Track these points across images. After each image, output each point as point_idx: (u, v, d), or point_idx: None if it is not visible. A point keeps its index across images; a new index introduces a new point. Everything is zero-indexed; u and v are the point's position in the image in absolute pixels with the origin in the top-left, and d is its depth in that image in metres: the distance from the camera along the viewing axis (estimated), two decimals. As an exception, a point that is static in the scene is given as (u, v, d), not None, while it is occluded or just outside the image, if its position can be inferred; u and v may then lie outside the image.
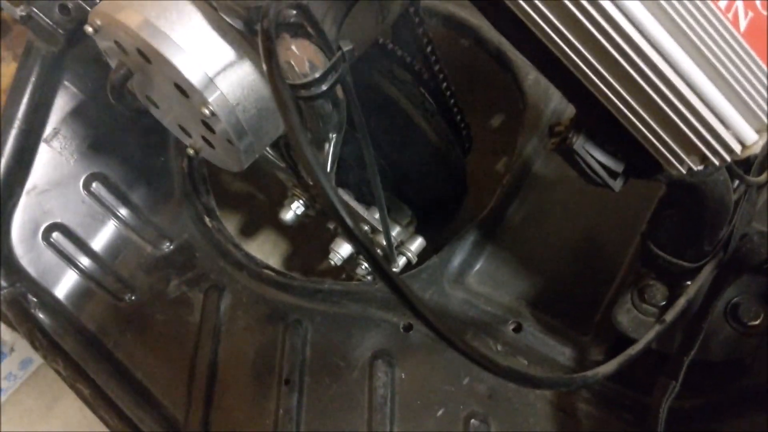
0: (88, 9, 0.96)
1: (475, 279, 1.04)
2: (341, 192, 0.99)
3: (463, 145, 1.06)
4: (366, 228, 1.00)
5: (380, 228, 0.98)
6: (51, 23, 0.99)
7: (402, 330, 1.02)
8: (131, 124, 1.14)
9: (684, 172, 0.60)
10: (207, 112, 0.69)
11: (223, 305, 1.10)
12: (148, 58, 0.70)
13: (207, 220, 1.17)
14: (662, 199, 0.80)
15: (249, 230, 1.28)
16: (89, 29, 0.72)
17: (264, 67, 0.54)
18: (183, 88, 0.69)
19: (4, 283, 1.08)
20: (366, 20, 0.77)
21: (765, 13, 0.54)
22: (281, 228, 1.19)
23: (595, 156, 0.63)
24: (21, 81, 1.05)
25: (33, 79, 1.05)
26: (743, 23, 0.54)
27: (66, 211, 1.13)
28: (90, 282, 1.14)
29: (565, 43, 0.54)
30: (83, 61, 1.08)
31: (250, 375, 1.04)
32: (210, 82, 0.68)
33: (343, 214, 0.49)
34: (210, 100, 0.68)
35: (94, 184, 1.15)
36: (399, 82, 0.93)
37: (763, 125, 0.55)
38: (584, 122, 0.63)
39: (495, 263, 1.04)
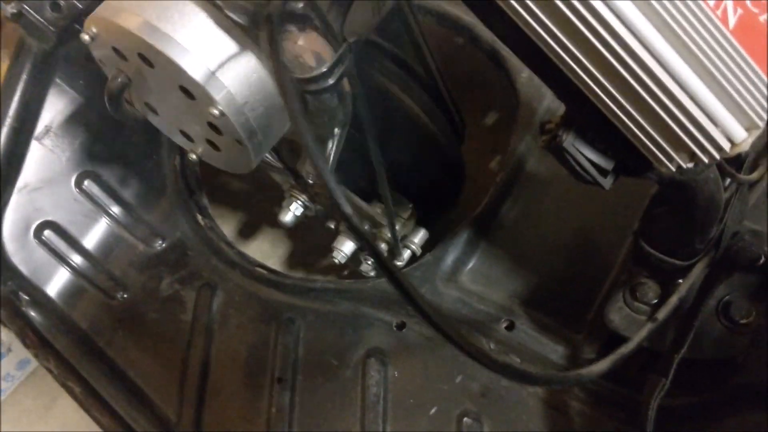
0: (80, 6, 0.95)
1: (468, 277, 1.03)
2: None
3: (457, 130, 1.06)
4: (368, 223, 1.00)
5: (383, 222, 0.98)
6: (42, 21, 0.98)
7: (395, 328, 1.02)
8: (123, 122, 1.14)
9: (674, 169, 0.60)
10: (216, 112, 0.68)
11: (215, 304, 1.10)
12: (151, 62, 0.69)
13: (199, 218, 1.17)
14: (654, 198, 0.80)
15: (246, 230, 1.28)
16: (85, 38, 0.71)
17: (268, 55, 0.54)
18: (189, 90, 0.68)
19: (-5, 281, 1.08)
20: (363, 13, 0.77)
21: (755, 10, 0.54)
22: (279, 228, 1.19)
23: (585, 154, 0.63)
24: (12, 79, 1.05)
25: (24, 76, 1.04)
26: (732, 20, 0.53)
27: (58, 209, 1.13)
28: (82, 280, 1.13)
29: (553, 40, 0.54)
30: (75, 59, 1.08)
31: (242, 374, 1.04)
32: (217, 81, 0.67)
33: (349, 211, 0.49)
34: (218, 99, 0.67)
35: (86, 182, 1.15)
36: (388, 71, 0.93)
37: (752, 123, 0.55)
38: (574, 120, 0.63)
39: (488, 261, 1.04)
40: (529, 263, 1.02)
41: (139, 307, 1.12)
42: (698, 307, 0.80)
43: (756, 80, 0.55)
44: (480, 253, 1.04)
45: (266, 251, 1.26)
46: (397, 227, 1.01)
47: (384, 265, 0.52)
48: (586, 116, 0.60)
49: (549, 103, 1.10)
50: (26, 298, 1.08)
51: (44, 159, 1.12)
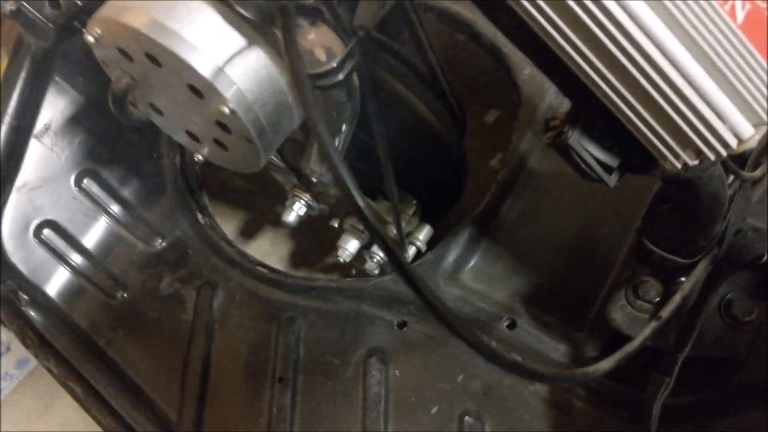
0: (79, 3, 0.95)
1: (470, 275, 1.03)
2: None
3: (458, 123, 1.05)
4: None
5: (388, 219, 0.98)
6: (41, 18, 0.98)
7: (396, 327, 1.01)
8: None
9: (679, 166, 0.60)
10: (226, 110, 0.67)
11: (216, 303, 1.09)
12: (159, 62, 0.68)
13: (200, 216, 1.16)
14: (657, 195, 0.80)
15: (247, 229, 1.27)
16: (89, 39, 0.70)
17: (282, 46, 0.53)
18: (198, 89, 0.68)
19: (-5, 281, 1.07)
20: (367, 8, 0.76)
21: (763, 5, 0.54)
22: (279, 226, 1.18)
23: (591, 151, 0.63)
24: (11, 77, 1.04)
25: (23, 74, 1.04)
26: (740, 15, 0.53)
27: (57, 208, 1.12)
28: (81, 279, 1.13)
29: (560, 36, 0.54)
30: (74, 57, 1.07)
31: (243, 373, 1.04)
32: (227, 78, 0.66)
33: (364, 205, 0.48)
34: (228, 97, 0.67)
35: (85, 181, 1.14)
36: (391, 68, 0.93)
37: (760, 119, 0.55)
38: (579, 116, 0.62)
39: (490, 259, 1.03)
40: (531, 261, 1.02)
41: (139, 306, 1.11)
42: (701, 306, 0.80)
43: (764, 76, 0.54)
44: (481, 252, 1.04)
45: (267, 250, 1.25)
46: (402, 224, 1.01)
47: (396, 260, 0.52)
48: (592, 113, 0.60)
49: (551, 100, 1.09)
50: (26, 297, 1.08)
51: (43, 157, 1.11)
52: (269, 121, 0.71)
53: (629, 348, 0.72)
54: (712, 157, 0.57)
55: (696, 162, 0.59)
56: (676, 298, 0.76)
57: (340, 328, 1.03)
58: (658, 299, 0.83)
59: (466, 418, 0.94)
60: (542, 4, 0.52)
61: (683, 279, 0.80)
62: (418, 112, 0.95)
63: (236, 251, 1.13)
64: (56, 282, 1.12)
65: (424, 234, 1.04)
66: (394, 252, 0.52)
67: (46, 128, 1.11)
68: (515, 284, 1.01)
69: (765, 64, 0.54)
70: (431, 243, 1.05)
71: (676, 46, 0.52)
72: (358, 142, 0.85)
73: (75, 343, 1.07)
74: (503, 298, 1.00)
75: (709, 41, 0.52)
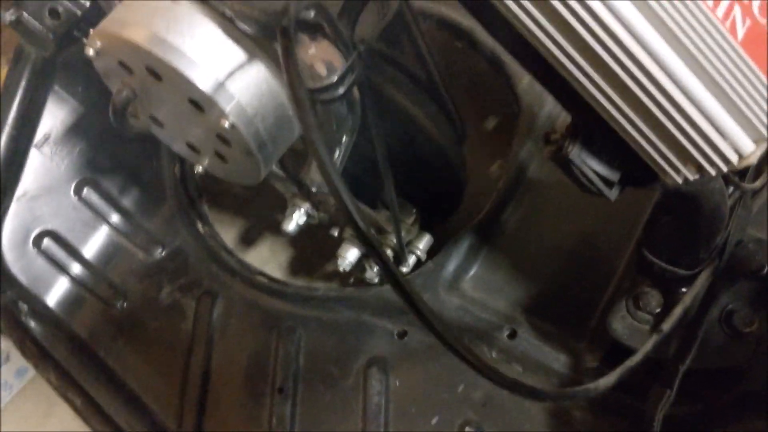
0: (78, 13, 0.95)
1: (470, 284, 1.03)
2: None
3: (457, 131, 1.05)
4: (373, 230, 1.00)
5: (388, 228, 0.98)
6: (41, 27, 0.97)
7: (396, 337, 1.01)
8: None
9: (680, 181, 0.60)
10: (226, 124, 0.67)
11: (216, 312, 1.09)
12: (159, 75, 0.68)
13: (200, 225, 1.16)
14: (657, 207, 0.79)
15: (247, 237, 1.27)
16: (90, 52, 0.70)
17: (282, 66, 0.53)
18: (198, 103, 0.68)
19: (-6, 291, 1.07)
20: (367, 20, 0.77)
21: (763, 21, 0.54)
22: (279, 234, 1.18)
23: (591, 165, 0.63)
24: (11, 86, 1.04)
25: (23, 83, 1.03)
26: (741, 31, 0.53)
27: (57, 218, 1.12)
28: (81, 289, 1.13)
29: (559, 51, 0.54)
30: (74, 66, 1.07)
31: (243, 383, 1.04)
32: (227, 92, 0.66)
33: (362, 224, 0.48)
34: (228, 111, 0.67)
35: (85, 190, 1.14)
36: (391, 78, 0.93)
37: (760, 135, 0.55)
38: (580, 131, 0.62)
39: (490, 269, 1.03)
40: (531, 270, 1.02)
41: (139, 315, 1.11)
42: (702, 317, 0.79)
43: (764, 92, 0.54)
44: (482, 260, 1.04)
45: (266, 258, 1.25)
46: (402, 233, 1.01)
47: (393, 276, 0.52)
48: (592, 128, 0.60)
49: (550, 109, 1.09)
50: (25, 307, 1.08)
51: (43, 167, 1.11)
52: (269, 135, 0.71)
53: (631, 362, 0.72)
54: (713, 172, 0.57)
55: (697, 177, 0.59)
56: (677, 311, 0.76)
57: (340, 338, 1.03)
58: (658, 310, 0.82)
59: (467, 428, 0.94)
60: (540, 18, 0.52)
61: (684, 290, 0.80)
62: (417, 121, 0.95)
63: (236, 260, 1.13)
64: (56, 292, 1.12)
65: (423, 243, 1.03)
66: (389, 268, 0.52)
67: (46, 138, 1.11)
68: (515, 293, 1.01)
69: (765, 80, 0.54)
70: (431, 252, 1.05)
71: (677, 62, 0.52)
72: (359, 151, 0.84)
73: (74, 353, 1.07)
74: (504, 307, 1.00)
75: (709, 57, 0.52)
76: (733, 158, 0.55)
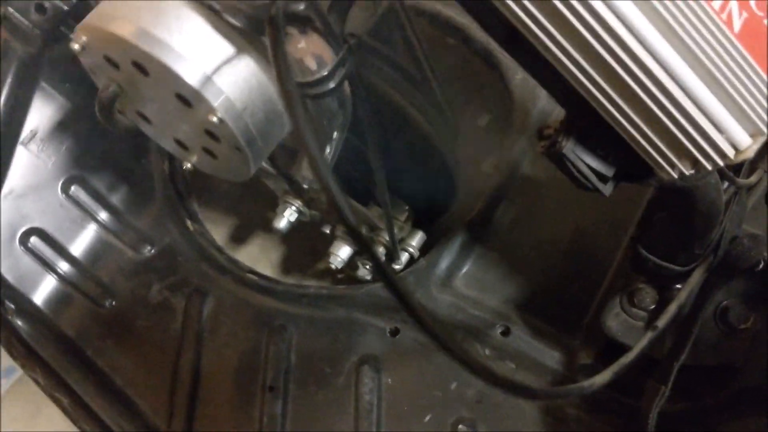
0: (65, 8, 0.93)
1: (463, 282, 1.02)
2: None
3: (450, 128, 1.05)
4: (366, 227, 0.99)
5: (380, 226, 0.97)
6: (27, 23, 0.96)
7: (389, 334, 1.00)
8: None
9: (675, 176, 0.59)
10: (215, 119, 0.66)
11: (206, 310, 1.08)
12: (146, 70, 0.67)
13: (189, 223, 1.15)
14: (652, 203, 0.79)
15: (237, 234, 1.26)
16: (75, 47, 0.69)
17: (270, 59, 0.52)
18: (186, 98, 0.67)
19: (-21, 291, 1.06)
20: (360, 14, 0.76)
21: (760, 13, 0.53)
22: (270, 232, 1.18)
23: (586, 160, 0.62)
24: (-4, 82, 1.03)
25: (9, 80, 1.02)
26: (737, 24, 0.52)
27: (44, 216, 1.10)
28: (69, 288, 1.11)
29: (554, 44, 0.53)
30: (61, 62, 1.06)
31: (233, 382, 1.03)
32: (215, 87, 0.65)
33: (353, 222, 0.48)
34: (216, 106, 0.65)
35: (72, 188, 1.12)
36: (384, 74, 0.92)
37: (757, 129, 0.54)
38: (574, 126, 0.61)
39: (483, 266, 1.03)
40: (525, 267, 1.02)
41: (127, 314, 1.10)
42: (697, 314, 0.79)
43: (761, 85, 0.54)
44: (475, 258, 1.03)
45: (257, 256, 1.24)
46: (394, 230, 1.00)
47: (384, 273, 0.51)
48: (587, 122, 0.59)
49: (544, 105, 1.08)
50: (12, 306, 1.06)
51: (30, 164, 1.10)
52: (259, 130, 0.70)
53: (625, 360, 0.72)
54: (709, 167, 0.56)
55: (692, 171, 0.58)
56: (672, 308, 0.76)
57: (331, 336, 1.02)
58: (653, 307, 0.82)
59: (460, 426, 0.94)
60: (534, 11, 0.51)
61: (679, 286, 0.80)
62: (409, 117, 0.95)
63: (226, 258, 1.12)
64: (43, 290, 1.10)
65: (416, 240, 1.03)
66: (380, 265, 0.51)
67: (33, 135, 1.09)
68: (509, 290, 1.00)
69: (762, 73, 0.54)
70: (424, 249, 1.04)
71: (673, 56, 0.51)
72: (351, 148, 0.84)
73: (62, 353, 1.05)
74: (497, 304, 1.00)
75: (705, 50, 0.52)
76: (730, 152, 0.55)
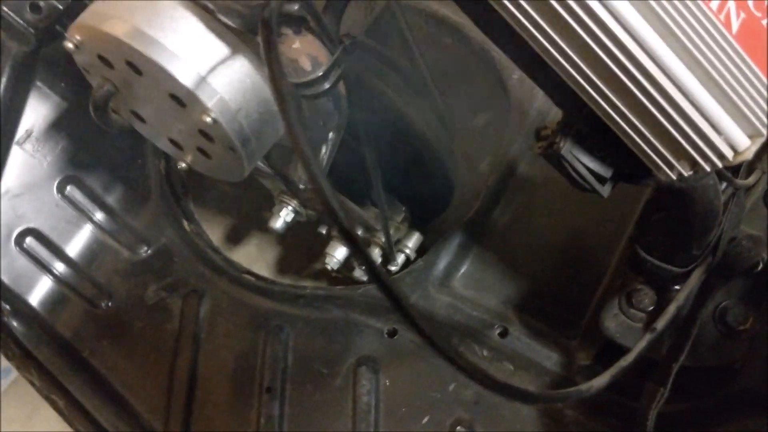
0: (60, 7, 0.93)
1: (461, 282, 1.02)
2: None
3: (447, 128, 1.04)
4: (362, 228, 0.99)
5: (376, 227, 0.97)
6: (22, 22, 0.96)
7: (386, 335, 1.00)
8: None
9: (674, 177, 0.59)
10: (209, 120, 0.66)
11: (202, 311, 1.07)
12: (140, 70, 0.66)
13: (185, 223, 1.14)
14: (650, 203, 0.78)
15: (233, 235, 1.26)
16: (69, 46, 0.69)
17: (263, 59, 0.52)
18: (180, 98, 0.66)
19: (-25, 291, 1.05)
20: (356, 14, 0.75)
21: (758, 14, 0.52)
22: (267, 232, 1.18)
23: (583, 161, 0.62)
24: (-9, 82, 1.02)
25: (4, 80, 1.01)
26: (735, 25, 0.52)
27: (40, 216, 1.10)
28: (65, 288, 1.10)
29: (551, 45, 0.52)
30: (56, 61, 1.05)
31: (230, 383, 1.02)
32: (209, 87, 0.65)
33: (346, 223, 0.47)
34: (210, 106, 0.65)
35: (68, 188, 1.12)
36: (381, 74, 0.92)
37: (756, 130, 0.54)
38: (572, 126, 0.61)
39: (481, 266, 1.02)
40: (522, 268, 1.01)
41: (124, 315, 1.09)
42: (696, 315, 0.79)
43: (759, 86, 0.53)
44: (472, 258, 1.03)
45: (253, 256, 1.24)
46: (390, 231, 1.00)
47: (377, 276, 0.50)
48: (584, 123, 0.58)
49: (540, 104, 1.08)
50: (7, 307, 1.06)
51: (25, 164, 1.09)
52: (253, 130, 0.69)
53: (624, 362, 0.71)
54: (707, 168, 0.56)
55: (691, 173, 0.58)
56: (671, 309, 0.75)
57: (328, 337, 1.02)
58: (651, 308, 0.81)
59: (458, 427, 0.93)
60: (531, 10, 0.50)
61: (677, 287, 0.80)
62: (406, 117, 0.94)
63: (223, 258, 1.11)
64: (39, 291, 1.10)
65: (413, 241, 1.03)
66: (374, 268, 0.50)
67: (28, 134, 1.09)
68: (507, 291, 1.00)
69: (760, 74, 0.53)
70: (421, 250, 1.04)
71: (670, 56, 0.51)
72: (347, 149, 0.83)
73: (58, 354, 1.05)
74: (495, 305, 0.99)
75: (703, 51, 0.51)
76: (728, 153, 0.54)
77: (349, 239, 0.48)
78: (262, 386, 1.00)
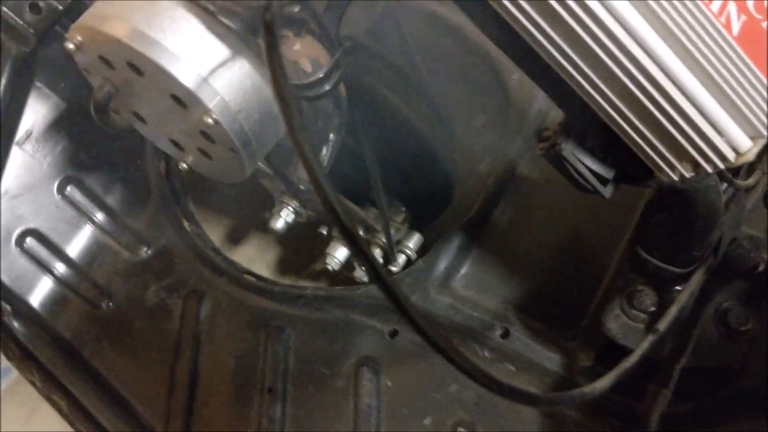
0: (59, 8, 0.93)
1: (461, 283, 1.02)
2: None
3: (446, 128, 1.04)
4: (362, 228, 0.99)
5: (377, 227, 0.96)
6: (21, 23, 0.96)
7: (387, 336, 1.00)
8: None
9: (676, 178, 0.59)
10: (210, 121, 0.66)
11: (203, 312, 1.07)
12: (140, 71, 0.66)
13: (186, 224, 1.14)
14: (651, 204, 0.78)
15: (233, 235, 1.25)
16: (70, 46, 0.69)
17: (265, 62, 0.52)
18: (181, 99, 0.66)
19: (-25, 292, 1.05)
20: (357, 14, 0.76)
21: (759, 16, 0.52)
22: (267, 232, 1.18)
23: (585, 162, 0.62)
24: (-9, 83, 1.02)
25: (3, 80, 1.01)
26: (736, 27, 0.52)
27: (39, 216, 1.10)
28: (65, 289, 1.11)
29: (553, 47, 0.52)
30: (56, 62, 1.05)
31: (231, 384, 1.02)
32: (210, 89, 0.65)
33: (348, 224, 0.47)
34: (211, 108, 0.65)
35: (68, 188, 1.12)
36: (381, 76, 0.92)
37: (757, 132, 0.54)
38: (573, 128, 0.61)
39: (481, 267, 1.02)
40: (523, 268, 1.01)
41: (124, 316, 1.09)
42: (697, 316, 0.79)
43: (760, 88, 0.53)
44: (472, 259, 1.03)
45: (253, 256, 1.23)
46: (391, 232, 1.00)
47: (378, 277, 0.50)
48: (586, 124, 0.58)
49: (540, 105, 1.08)
50: (8, 308, 1.06)
51: (25, 165, 1.09)
52: (254, 132, 0.69)
53: (627, 364, 0.71)
54: (709, 169, 0.56)
55: (692, 174, 0.58)
56: (672, 310, 0.75)
57: (329, 338, 1.02)
58: (653, 309, 0.82)
59: (459, 428, 0.93)
60: (531, 11, 0.50)
61: (678, 288, 0.80)
62: (406, 118, 0.94)
63: (223, 259, 1.11)
64: (39, 292, 1.10)
65: (413, 242, 1.03)
66: (375, 268, 0.50)
67: (28, 135, 1.09)
68: (507, 292, 1.00)
69: (761, 76, 0.53)
70: (421, 251, 1.03)
71: (671, 58, 0.51)
72: (347, 149, 0.83)
73: (59, 355, 1.05)
74: (495, 306, 0.99)
75: (704, 53, 0.51)
76: (730, 155, 0.54)
77: (351, 239, 0.48)
78: (263, 387, 1.00)
